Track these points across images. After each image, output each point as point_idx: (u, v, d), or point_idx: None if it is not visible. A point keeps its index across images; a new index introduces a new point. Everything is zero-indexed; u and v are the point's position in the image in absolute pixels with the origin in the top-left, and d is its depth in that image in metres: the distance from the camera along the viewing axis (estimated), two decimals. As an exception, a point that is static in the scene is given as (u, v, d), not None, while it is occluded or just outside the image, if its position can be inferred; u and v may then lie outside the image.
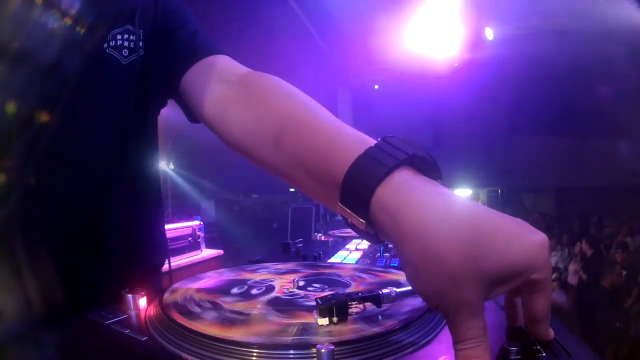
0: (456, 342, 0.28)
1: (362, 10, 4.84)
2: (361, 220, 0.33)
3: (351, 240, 0.93)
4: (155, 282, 0.66)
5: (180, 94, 0.56)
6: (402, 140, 0.34)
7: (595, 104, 5.64)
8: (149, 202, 0.64)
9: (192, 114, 0.57)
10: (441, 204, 0.30)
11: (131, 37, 0.55)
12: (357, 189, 0.32)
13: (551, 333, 0.32)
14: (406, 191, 0.31)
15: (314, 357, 0.29)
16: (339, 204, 0.34)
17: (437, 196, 0.31)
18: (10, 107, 0.45)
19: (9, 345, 0.44)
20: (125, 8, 0.55)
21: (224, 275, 0.52)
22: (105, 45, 0.53)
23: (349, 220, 0.34)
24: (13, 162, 0.49)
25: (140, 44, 0.55)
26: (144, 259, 0.63)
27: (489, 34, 5.46)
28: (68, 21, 0.46)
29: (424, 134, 7.17)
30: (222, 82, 0.53)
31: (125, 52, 0.54)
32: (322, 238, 1.11)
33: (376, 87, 7.67)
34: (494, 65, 5.79)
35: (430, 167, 0.33)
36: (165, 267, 0.68)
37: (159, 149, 0.66)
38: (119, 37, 0.54)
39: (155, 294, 0.43)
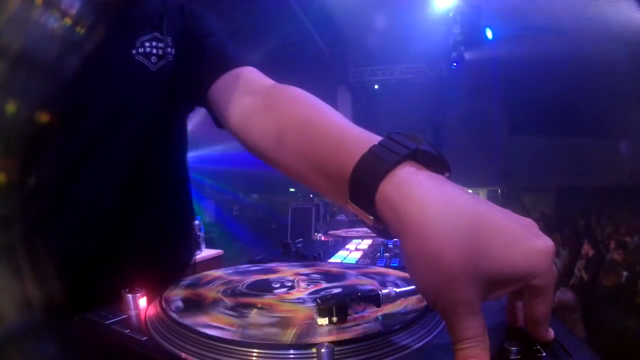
0: (455, 341, 0.28)
1: (362, 10, 4.85)
2: (369, 216, 0.33)
3: (351, 240, 0.93)
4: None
5: (207, 101, 0.58)
6: (406, 136, 0.34)
7: (596, 104, 5.65)
8: (177, 204, 0.66)
9: (219, 120, 0.58)
10: (442, 200, 0.30)
11: (159, 44, 0.56)
12: (363, 186, 0.33)
13: (551, 334, 0.32)
14: (408, 186, 0.31)
15: (314, 357, 0.29)
16: (349, 201, 0.35)
17: (439, 192, 0.30)
18: (38, 112, 0.45)
19: (10, 345, 0.44)
20: (151, 15, 0.56)
21: (224, 274, 0.52)
22: (134, 51, 0.54)
23: (360, 217, 0.35)
24: (40, 165, 0.49)
25: (169, 50, 0.57)
26: (171, 260, 0.65)
27: (489, 34, 5.47)
28: (95, 28, 0.46)
29: (423, 134, 7.14)
30: (247, 93, 0.54)
31: (154, 59, 0.56)
32: (322, 238, 1.11)
33: (376, 87, 7.68)
34: (494, 65, 5.80)
35: (436, 161, 0.33)
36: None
37: (187, 151, 0.67)
38: (147, 44, 0.55)
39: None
